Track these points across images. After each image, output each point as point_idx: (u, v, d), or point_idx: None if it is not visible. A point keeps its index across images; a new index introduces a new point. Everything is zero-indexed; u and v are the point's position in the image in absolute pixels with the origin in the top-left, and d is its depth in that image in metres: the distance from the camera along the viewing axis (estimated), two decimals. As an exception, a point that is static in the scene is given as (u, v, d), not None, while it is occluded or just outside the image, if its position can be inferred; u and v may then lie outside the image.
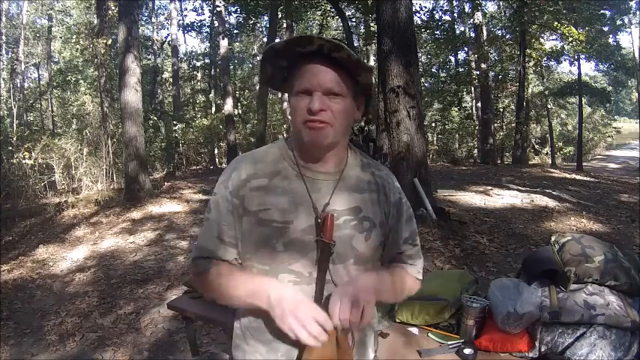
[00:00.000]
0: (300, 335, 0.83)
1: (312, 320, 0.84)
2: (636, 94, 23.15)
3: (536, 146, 18.90)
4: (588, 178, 10.12)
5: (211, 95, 19.16)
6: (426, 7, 22.26)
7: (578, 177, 10.23)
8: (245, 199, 0.95)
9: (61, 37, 18.16)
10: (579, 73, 14.81)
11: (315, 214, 0.94)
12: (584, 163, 14.97)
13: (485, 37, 14.63)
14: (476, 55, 14.66)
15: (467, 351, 1.48)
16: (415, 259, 1.09)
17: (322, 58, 0.89)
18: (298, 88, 0.92)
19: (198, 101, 21.07)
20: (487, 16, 16.28)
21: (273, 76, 0.99)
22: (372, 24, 11.54)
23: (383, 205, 1.02)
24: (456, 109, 15.50)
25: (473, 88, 17.17)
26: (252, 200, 0.95)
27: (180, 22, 19.35)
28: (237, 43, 20.77)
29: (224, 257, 0.98)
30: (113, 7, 11.24)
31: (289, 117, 0.99)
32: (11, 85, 17.75)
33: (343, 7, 9.80)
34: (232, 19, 16.06)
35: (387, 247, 1.05)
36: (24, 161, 8.21)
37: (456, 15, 15.54)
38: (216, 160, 16.79)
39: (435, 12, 13.12)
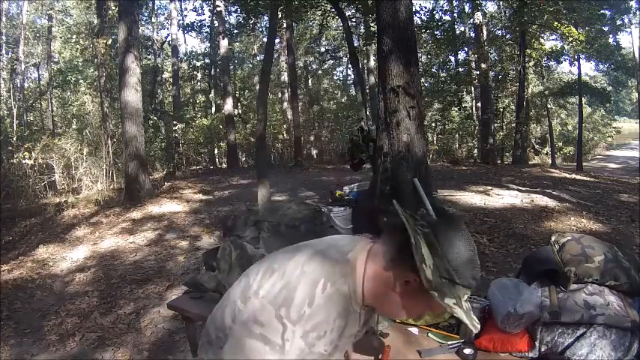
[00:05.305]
0: None
1: None
2: (636, 94, 23.14)
3: (536, 146, 18.88)
4: (588, 178, 10.11)
5: (211, 95, 19.15)
6: (426, 7, 22.26)
7: (578, 177, 10.22)
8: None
9: (61, 37, 18.13)
10: (579, 73, 14.81)
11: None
12: (584, 163, 14.96)
13: (485, 37, 14.62)
14: (476, 55, 14.65)
15: (467, 351, 1.48)
16: None
17: None
18: (437, 310, 0.95)
19: (198, 101, 21.05)
20: (487, 16, 16.27)
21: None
22: (372, 24, 11.52)
23: None
24: (456, 109, 15.49)
25: (473, 88, 17.15)
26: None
27: (180, 22, 19.34)
28: (237, 43, 20.75)
29: None
30: (113, 7, 11.24)
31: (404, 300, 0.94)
32: (11, 85, 17.73)
33: (343, 7, 9.79)
34: (232, 19, 16.07)
35: None
36: (24, 161, 8.21)
37: (456, 15, 15.52)
38: (216, 160, 16.79)
39: (435, 12, 13.10)
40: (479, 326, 0.91)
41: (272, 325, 0.85)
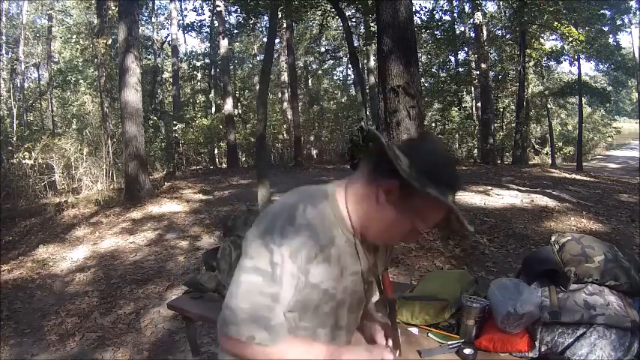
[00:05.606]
0: None
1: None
2: (636, 94, 23.13)
3: (536, 146, 18.89)
4: (588, 178, 10.10)
5: (211, 95, 19.16)
6: (426, 7, 22.28)
7: (578, 177, 10.21)
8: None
9: (61, 37, 18.15)
10: (579, 73, 14.81)
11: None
12: (584, 163, 14.96)
13: (485, 37, 14.62)
14: (476, 55, 14.65)
15: (467, 351, 1.48)
16: None
17: None
18: (428, 218, 0.92)
19: (198, 101, 21.05)
20: (487, 16, 16.26)
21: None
22: (372, 24, 11.51)
23: None
24: (456, 109, 15.49)
25: (473, 88, 17.16)
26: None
27: (180, 22, 19.35)
28: (237, 43, 20.76)
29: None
30: (113, 7, 11.24)
31: (381, 207, 0.90)
32: (11, 85, 17.74)
33: (343, 7, 9.79)
34: (232, 19, 16.07)
35: None
36: (24, 161, 8.22)
37: (456, 15, 15.52)
38: (216, 160, 16.79)
39: (435, 12, 13.10)
40: (472, 227, 0.92)
41: (260, 253, 0.85)
